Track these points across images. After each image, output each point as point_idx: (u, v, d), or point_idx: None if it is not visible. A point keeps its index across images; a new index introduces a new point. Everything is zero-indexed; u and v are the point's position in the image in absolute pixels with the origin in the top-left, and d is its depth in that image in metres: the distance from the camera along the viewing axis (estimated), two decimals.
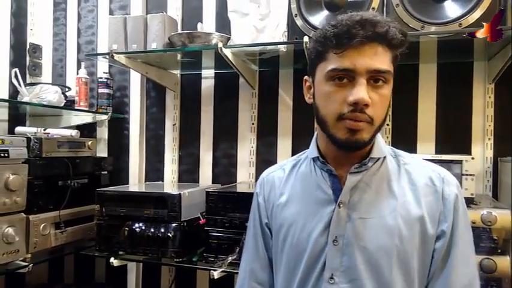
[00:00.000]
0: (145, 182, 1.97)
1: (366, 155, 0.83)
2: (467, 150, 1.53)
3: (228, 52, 1.49)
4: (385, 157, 0.85)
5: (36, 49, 2.02)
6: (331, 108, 0.78)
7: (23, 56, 1.98)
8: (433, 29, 1.27)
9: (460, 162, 1.27)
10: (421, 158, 0.90)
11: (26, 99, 1.75)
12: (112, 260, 1.53)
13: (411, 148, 1.56)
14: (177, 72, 1.91)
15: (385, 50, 0.76)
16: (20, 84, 1.77)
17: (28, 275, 1.87)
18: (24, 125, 1.91)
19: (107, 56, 1.64)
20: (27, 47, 2.00)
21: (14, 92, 1.86)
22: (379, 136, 0.85)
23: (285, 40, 1.45)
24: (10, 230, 1.42)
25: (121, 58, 1.61)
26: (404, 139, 1.59)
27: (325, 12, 1.36)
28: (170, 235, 1.47)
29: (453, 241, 0.79)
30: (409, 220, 0.79)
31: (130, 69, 1.89)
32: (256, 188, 1.01)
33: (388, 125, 1.60)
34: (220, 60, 1.56)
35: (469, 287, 0.79)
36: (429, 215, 0.79)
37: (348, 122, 0.76)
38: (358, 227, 0.80)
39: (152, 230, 1.49)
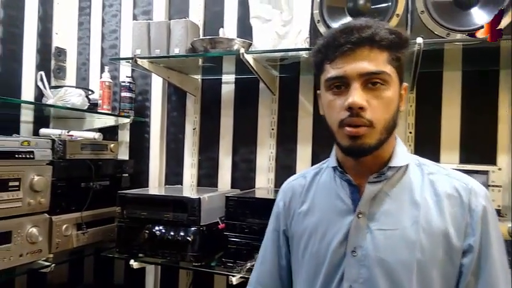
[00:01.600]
0: (164, 185, 1.98)
1: (385, 164, 0.82)
2: (492, 160, 1.49)
3: (249, 58, 1.50)
4: (407, 166, 0.83)
5: (61, 53, 2.07)
6: (333, 117, 0.80)
7: (48, 59, 2.04)
8: (458, 36, 1.24)
9: (486, 172, 1.24)
10: (448, 168, 0.87)
11: (50, 101, 1.79)
12: (132, 262, 1.54)
13: (434, 157, 1.53)
14: (198, 77, 1.93)
15: (378, 52, 0.76)
16: (45, 87, 1.82)
17: (49, 275, 1.90)
18: (48, 127, 1.95)
19: (131, 61, 1.66)
20: (53, 50, 2.05)
21: (39, 95, 1.91)
22: (400, 145, 0.85)
23: (307, 46, 1.45)
24: (34, 230, 1.45)
25: (144, 63, 1.63)
26: (427, 148, 1.56)
27: (348, 19, 1.35)
28: (189, 239, 1.47)
29: (485, 257, 0.76)
30: (431, 232, 0.77)
31: (152, 74, 1.92)
32: (278, 195, 1.01)
33: (410, 132, 1.57)
34: (241, 66, 1.57)
35: None
36: (454, 228, 0.77)
37: (347, 129, 0.77)
38: (377, 239, 0.78)
39: (172, 233, 1.50)
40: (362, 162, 0.81)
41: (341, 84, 0.78)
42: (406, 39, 0.80)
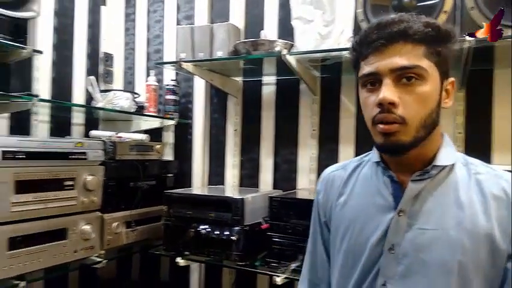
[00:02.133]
0: (207, 185, 2.03)
1: (429, 162, 0.80)
2: None
3: (291, 59, 1.51)
4: (453, 165, 0.81)
5: (109, 58, 2.17)
6: (367, 114, 0.80)
7: (96, 64, 2.13)
8: (510, 32, 1.19)
9: None
10: (499, 169, 0.83)
11: (100, 105, 1.87)
12: (178, 259, 1.59)
13: (486, 158, 1.47)
14: (239, 79, 1.96)
15: (412, 47, 0.74)
16: (95, 91, 1.91)
17: (99, 271, 2.00)
18: (97, 129, 2.04)
19: (175, 64, 1.71)
20: (101, 55, 2.15)
21: (88, 98, 2.00)
22: (447, 143, 0.83)
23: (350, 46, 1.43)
24: (87, 228, 1.52)
25: (188, 66, 1.68)
26: (478, 149, 1.51)
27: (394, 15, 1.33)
28: (234, 238, 1.50)
29: None
30: (475, 234, 0.74)
31: (195, 77, 1.97)
32: (317, 184, 1.01)
33: (460, 133, 1.52)
34: (282, 67, 1.58)
35: None
36: (500, 231, 0.74)
37: (379, 126, 0.76)
38: (417, 238, 0.77)
39: (217, 232, 1.53)
40: (403, 159, 0.80)
41: (375, 81, 0.77)
42: (446, 32, 0.76)
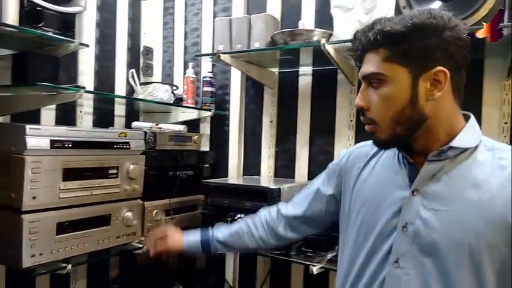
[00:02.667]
0: (242, 175, 2.05)
1: (447, 144, 0.81)
2: None
3: (330, 48, 1.49)
4: (476, 148, 0.81)
5: (149, 51, 2.23)
6: None
7: (137, 57, 2.20)
8: None
9: None
10: None
11: (140, 97, 1.93)
12: None
13: None
14: (276, 70, 1.96)
15: (375, 54, 0.81)
16: (136, 84, 1.97)
17: (138, 257, 2.07)
18: (138, 121, 2.11)
19: (213, 56, 1.74)
20: (141, 49, 2.21)
21: (130, 91, 2.07)
22: (471, 127, 0.83)
23: None
24: (129, 214, 1.58)
25: (226, 58, 1.70)
26: None
27: (437, 3, 1.29)
28: None
29: None
30: (491, 218, 0.75)
31: (231, 69, 1.99)
32: (343, 153, 1.06)
33: (506, 123, 1.45)
34: (319, 57, 1.57)
35: None
36: None
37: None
38: (429, 218, 0.79)
39: None
40: (413, 145, 0.83)
41: None
42: (401, 33, 0.77)
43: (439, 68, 0.78)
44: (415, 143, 0.83)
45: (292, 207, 1.16)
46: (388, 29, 0.78)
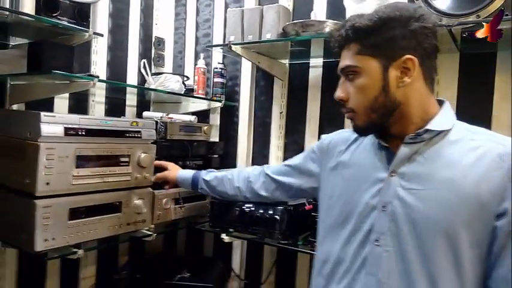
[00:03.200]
0: (252, 166, 2.07)
1: (423, 127, 0.86)
2: None
3: None
4: (450, 130, 0.86)
5: (160, 42, 2.24)
6: None
7: (149, 48, 2.21)
8: None
9: None
10: (500, 135, 0.87)
11: (152, 87, 1.95)
12: (223, 236, 1.65)
13: None
14: (286, 61, 1.96)
15: (348, 48, 0.88)
16: (147, 74, 1.99)
17: (147, 244, 2.11)
18: (149, 111, 2.14)
19: (224, 47, 1.74)
20: (153, 40, 2.22)
21: (141, 81, 2.09)
22: (446, 111, 0.88)
23: None
24: (140, 202, 1.60)
25: (237, 48, 1.71)
26: None
27: None
28: (278, 217, 1.53)
29: None
30: (464, 195, 0.80)
31: (242, 60, 1.99)
32: (323, 137, 1.14)
33: None
34: (330, 49, 1.56)
35: None
36: (489, 192, 0.79)
37: None
38: (407, 198, 0.84)
39: (261, 211, 1.57)
40: (390, 130, 0.89)
41: None
42: (369, 27, 0.84)
43: (407, 56, 0.84)
44: (391, 127, 0.88)
45: (275, 172, 1.27)
46: (357, 25, 0.85)
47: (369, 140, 0.97)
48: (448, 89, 1.58)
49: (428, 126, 0.85)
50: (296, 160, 1.22)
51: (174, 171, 1.58)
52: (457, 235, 0.79)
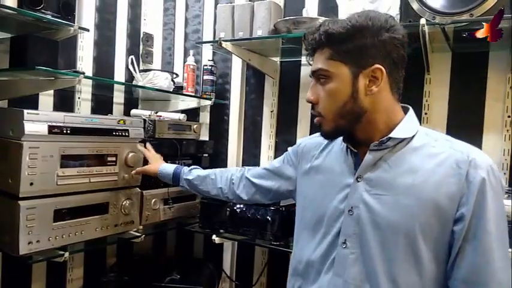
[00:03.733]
0: (242, 166, 2.04)
1: (387, 135, 0.89)
2: None
3: None
4: (413, 138, 0.89)
5: (149, 38, 2.19)
6: None
7: (137, 44, 2.16)
8: None
9: None
10: (458, 141, 0.89)
11: (140, 84, 1.90)
12: (214, 237, 1.62)
13: None
14: (277, 59, 1.94)
15: (321, 52, 0.89)
16: (135, 70, 1.94)
17: (135, 245, 2.07)
18: (137, 108, 2.09)
19: (214, 44, 1.71)
20: (141, 35, 2.17)
21: (129, 78, 2.04)
22: (409, 118, 0.91)
23: None
24: (127, 203, 1.57)
25: (228, 45, 1.67)
26: None
27: None
28: (269, 218, 1.51)
29: (478, 226, 0.80)
30: (423, 200, 0.83)
31: (232, 57, 1.96)
32: (298, 141, 1.16)
33: (509, 116, 1.44)
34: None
35: (501, 270, 0.80)
36: (447, 197, 0.82)
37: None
38: (371, 202, 0.87)
39: (252, 212, 1.54)
40: (356, 137, 0.92)
41: None
42: (341, 33, 0.85)
43: (376, 65, 0.86)
44: (357, 133, 0.91)
45: (255, 175, 1.28)
46: (330, 31, 0.86)
47: (339, 146, 1.00)
48: (440, 88, 1.57)
49: (392, 134, 0.88)
50: (275, 163, 1.24)
51: (156, 164, 1.53)
52: (416, 238, 0.83)
